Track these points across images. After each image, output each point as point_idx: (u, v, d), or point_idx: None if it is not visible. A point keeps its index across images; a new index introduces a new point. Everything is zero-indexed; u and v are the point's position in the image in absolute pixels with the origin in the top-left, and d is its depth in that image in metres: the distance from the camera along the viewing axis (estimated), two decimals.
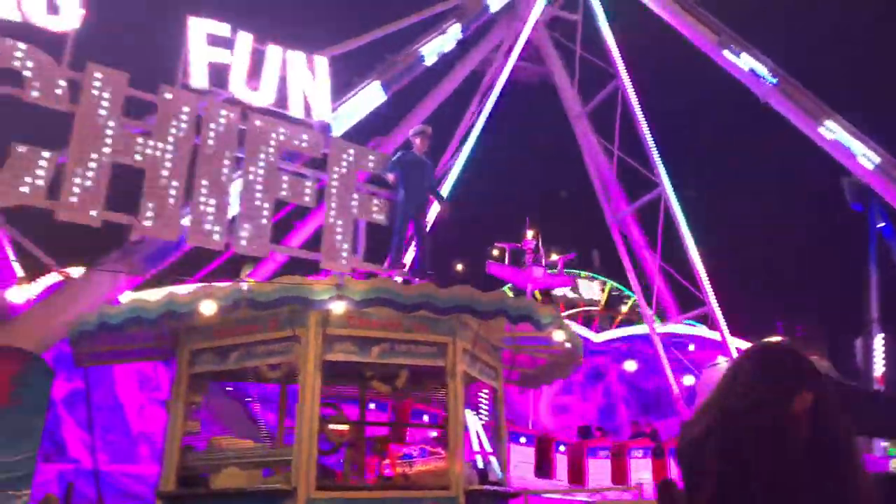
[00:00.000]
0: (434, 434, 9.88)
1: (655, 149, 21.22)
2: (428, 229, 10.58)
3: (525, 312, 7.91)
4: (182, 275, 12.64)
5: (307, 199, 9.46)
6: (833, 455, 1.55)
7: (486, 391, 14.39)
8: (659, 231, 20.94)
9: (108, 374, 13.15)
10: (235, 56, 9.38)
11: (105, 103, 8.20)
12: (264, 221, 8.88)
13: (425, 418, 13.21)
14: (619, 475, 15.32)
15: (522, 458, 14.94)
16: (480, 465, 11.72)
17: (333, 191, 9.55)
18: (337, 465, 8.78)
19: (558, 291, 35.27)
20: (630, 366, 21.64)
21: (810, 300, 27.53)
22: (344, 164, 9.71)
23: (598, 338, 21.61)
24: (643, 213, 22.96)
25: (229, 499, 6.89)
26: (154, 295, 8.02)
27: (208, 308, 6.73)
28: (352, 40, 17.68)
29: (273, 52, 9.72)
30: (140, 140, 8.30)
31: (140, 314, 6.84)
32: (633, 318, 27.36)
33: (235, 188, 8.89)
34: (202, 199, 8.44)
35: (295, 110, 9.72)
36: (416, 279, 9.03)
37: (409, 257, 10.73)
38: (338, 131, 16.13)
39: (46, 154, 7.75)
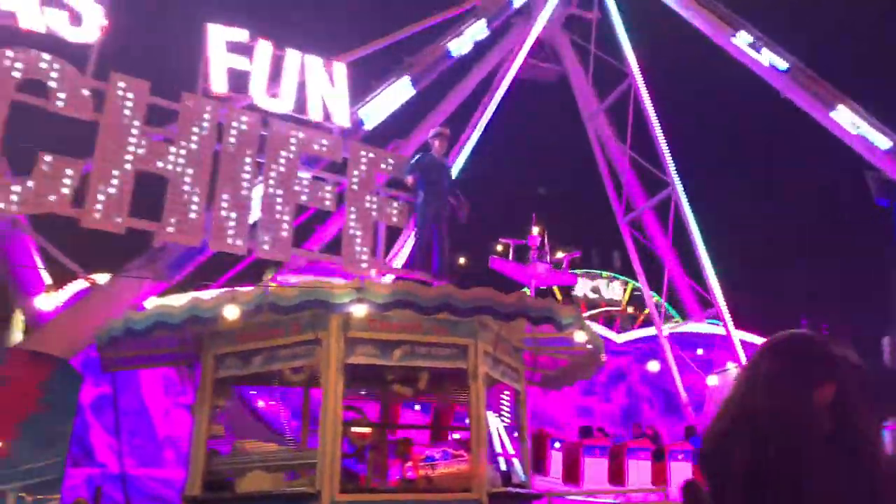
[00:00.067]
0: (456, 436, 9.88)
1: (667, 148, 21.09)
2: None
3: (546, 314, 7.88)
4: (205, 280, 12.77)
5: (327, 203, 9.52)
6: (855, 448, 1.51)
7: (508, 392, 14.36)
8: (669, 230, 20.83)
9: (134, 378, 13.32)
10: (255, 62, 9.47)
11: (128, 112, 8.33)
12: (285, 226, 8.96)
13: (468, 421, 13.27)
14: (617, 476, 15.24)
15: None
16: (503, 467, 11.69)
17: (353, 194, 9.61)
18: (360, 468, 8.81)
19: (579, 292, 35.12)
20: (653, 366, 21.46)
21: (834, 297, 27.13)
22: (363, 167, 9.76)
23: (620, 338, 21.47)
24: (658, 212, 22.82)
25: (255, 502, 6.95)
26: (178, 300, 8.11)
27: (231, 313, 6.80)
28: (369, 44, 17.79)
29: (292, 57, 9.80)
30: (162, 147, 8.42)
31: (165, 319, 6.93)
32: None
33: (257, 193, 8.97)
34: (224, 204, 8.54)
35: (314, 115, 9.80)
36: (436, 281, 9.04)
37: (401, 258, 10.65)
38: (369, 125, 16.51)
39: (72, 163, 7.89)
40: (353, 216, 9.49)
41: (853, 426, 1.55)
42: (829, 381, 1.58)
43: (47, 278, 12.57)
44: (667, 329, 21.25)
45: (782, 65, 20.52)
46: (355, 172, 9.68)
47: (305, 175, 9.42)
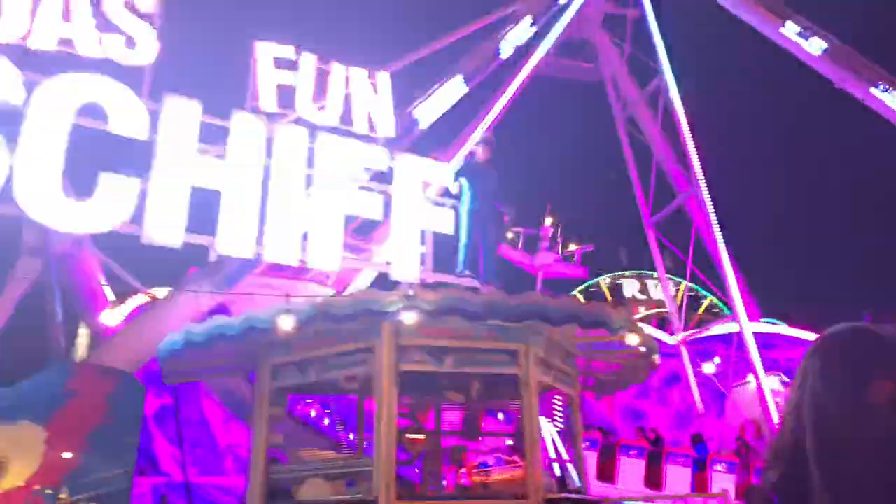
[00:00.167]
0: (509, 442, 9.84)
1: (694, 149, 20.69)
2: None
3: (597, 317, 7.79)
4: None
5: (375, 212, 9.64)
6: None
7: (560, 397, 14.23)
8: (692, 232, 20.45)
9: (194, 389, 13.69)
10: (300, 77, 9.66)
11: (182, 131, 8.60)
12: (335, 236, 9.10)
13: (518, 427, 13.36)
14: (608, 473, 15.10)
15: (632, 470, 14.82)
16: (558, 472, 11.59)
17: (400, 203, 9.70)
18: (415, 475, 8.86)
19: (627, 293, 34.61)
20: (708, 368, 20.98)
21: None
22: (409, 176, 9.85)
23: (673, 340, 21.06)
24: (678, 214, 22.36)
25: None
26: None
27: (286, 323, 6.93)
28: (412, 53, 18.01)
29: (336, 70, 9.96)
30: (215, 164, 8.66)
31: (223, 331, 7.10)
32: (710, 318, 26.55)
33: (306, 205, 9.14)
34: (275, 217, 8.73)
35: (359, 127, 9.94)
36: (485, 286, 9.05)
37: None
38: (424, 125, 16.89)
39: (130, 181, 8.18)
40: (399, 224, 9.58)
41: None
42: (884, 378, 1.48)
43: (111, 295, 13.06)
44: (721, 329, 20.76)
45: (821, 47, 19.95)
46: (401, 181, 9.78)
47: (353, 185, 9.57)
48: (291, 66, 9.70)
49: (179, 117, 8.67)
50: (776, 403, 17.81)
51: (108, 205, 8.02)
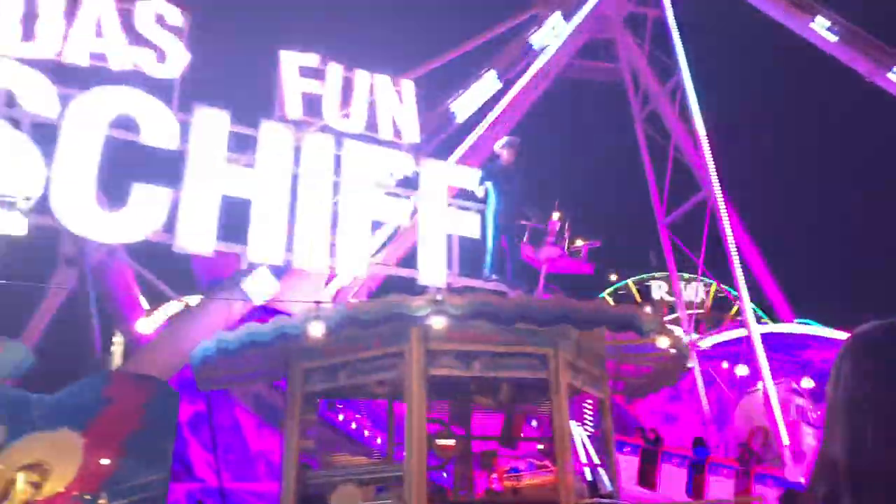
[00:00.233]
0: (540, 447, 9.79)
1: (709, 150, 20.43)
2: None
3: (627, 320, 7.74)
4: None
5: (402, 217, 9.69)
6: None
7: (590, 401, 14.12)
8: (704, 233, 20.18)
9: (226, 395, 13.87)
10: (326, 85, 9.74)
11: (211, 141, 8.73)
12: (363, 242, 9.16)
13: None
14: (649, 479, 15.02)
15: (624, 467, 14.72)
16: (589, 477, 11.49)
17: (425, 208, 9.73)
18: (446, 481, 8.86)
19: (655, 294, 34.17)
20: (742, 370, 20.63)
21: None
22: (434, 181, 9.88)
23: (704, 342, 20.76)
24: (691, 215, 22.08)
25: None
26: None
27: (316, 329, 7.00)
28: (436, 59, 18.16)
29: (361, 78, 10.03)
30: (245, 173, 8.78)
31: (255, 338, 7.19)
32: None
33: (334, 212, 9.22)
34: (304, 224, 8.81)
35: (384, 133, 9.99)
36: (511, 290, 9.03)
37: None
38: (461, 119, 17.39)
39: (162, 191, 8.33)
40: (426, 229, 9.61)
41: None
42: None
43: (145, 303, 13.30)
44: (733, 334, 20.44)
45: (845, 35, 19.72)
46: (427, 186, 9.81)
47: (379, 191, 9.62)
48: (317, 74, 9.79)
49: (209, 127, 8.80)
50: (796, 409, 17.62)
51: (141, 215, 8.17)
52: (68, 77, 8.51)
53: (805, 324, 20.96)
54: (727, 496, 14.95)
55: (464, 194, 10.32)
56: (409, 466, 6.87)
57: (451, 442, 8.58)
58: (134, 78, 8.79)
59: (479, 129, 18.79)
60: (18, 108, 8.08)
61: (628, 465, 14.93)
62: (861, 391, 1.44)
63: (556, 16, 20.56)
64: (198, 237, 8.25)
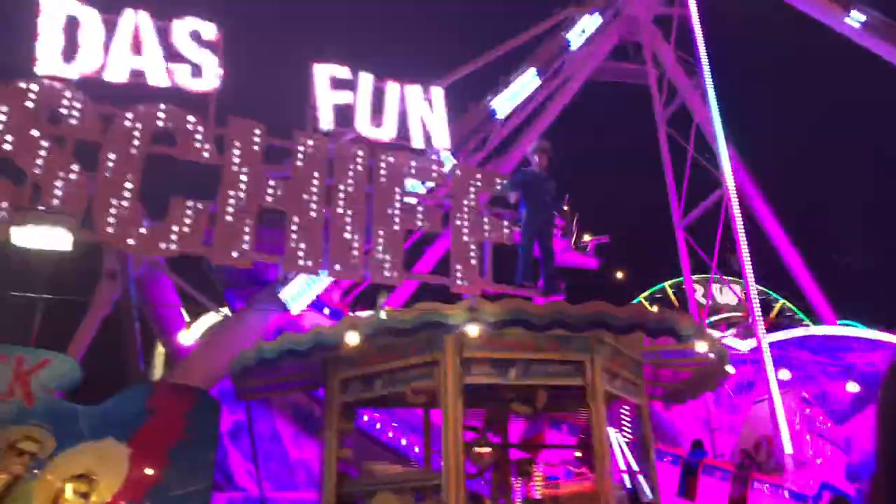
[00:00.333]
0: (578, 454, 9.70)
1: (726, 149, 20.06)
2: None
3: (664, 325, 7.64)
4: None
5: (436, 225, 9.73)
6: None
7: (627, 407, 13.95)
8: (718, 232, 19.77)
9: (265, 405, 14.03)
10: (358, 96, 9.84)
11: (247, 153, 8.89)
12: (397, 251, 9.21)
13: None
14: (690, 492, 14.82)
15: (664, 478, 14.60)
16: (629, 484, 11.34)
17: (459, 215, 9.75)
18: (483, 488, 8.83)
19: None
20: (783, 374, 20.16)
21: None
22: (467, 188, 9.90)
23: (745, 346, 20.35)
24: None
25: None
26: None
27: (352, 338, 7.05)
28: (468, 64, 18.26)
29: (392, 87, 10.11)
30: (280, 184, 8.91)
31: (293, 347, 7.28)
32: (783, 322, 25.58)
33: (368, 221, 9.29)
34: (339, 234, 8.90)
35: (416, 142, 10.06)
36: (545, 296, 8.97)
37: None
38: (501, 115, 17.59)
39: (200, 204, 8.50)
40: (459, 236, 9.62)
41: None
42: None
43: (186, 315, 13.56)
44: (799, 333, 19.97)
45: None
46: (460, 193, 9.83)
47: (412, 199, 9.68)
48: (348, 85, 9.90)
49: (244, 140, 8.96)
50: (803, 418, 17.26)
51: (181, 228, 8.35)
52: (108, 94, 8.76)
53: (848, 325, 20.43)
54: (721, 499, 14.80)
55: (496, 200, 10.32)
56: (447, 475, 6.86)
57: (489, 450, 8.56)
58: (171, 93, 9.01)
59: (521, 129, 19.01)
60: (62, 126, 8.34)
61: (719, 490, 14.83)
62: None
63: (594, 16, 20.64)
64: (235, 248, 8.39)
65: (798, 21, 20.90)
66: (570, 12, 20.79)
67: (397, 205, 9.41)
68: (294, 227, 8.67)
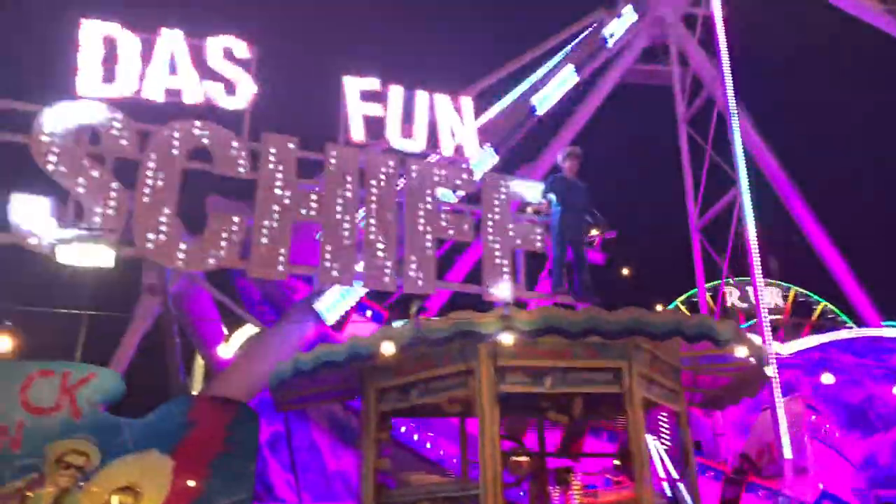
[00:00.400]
0: (616, 462, 9.58)
1: (742, 149, 19.62)
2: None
3: (702, 330, 7.50)
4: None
5: (467, 233, 9.76)
6: None
7: (664, 414, 13.74)
8: (731, 233, 19.31)
9: (303, 416, 14.16)
10: (388, 107, 9.95)
11: (281, 167, 9.04)
12: (429, 260, 9.26)
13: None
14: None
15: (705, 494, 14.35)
16: (669, 493, 11.17)
17: (490, 223, 9.77)
18: (521, 498, 8.78)
19: (727, 301, 32.92)
20: (827, 378, 19.64)
21: None
22: (498, 195, 9.91)
23: (785, 349, 19.90)
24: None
25: None
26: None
27: (388, 348, 7.08)
28: (497, 71, 18.33)
29: (421, 98, 10.20)
30: (314, 196, 9.03)
31: (329, 358, 7.33)
32: (825, 325, 24.97)
33: (400, 231, 9.36)
34: (372, 244, 8.98)
35: (446, 151, 10.12)
36: (580, 304, 8.91)
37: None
38: (541, 111, 18.10)
39: (236, 218, 8.66)
40: (491, 244, 9.63)
41: None
42: None
43: (225, 329, 13.77)
44: (842, 335, 19.47)
45: None
46: (491, 201, 9.86)
47: (444, 208, 9.73)
48: (377, 97, 10.01)
49: (278, 154, 9.11)
50: (807, 425, 16.78)
51: (218, 242, 8.51)
52: (146, 113, 9.00)
53: (894, 327, 19.85)
54: (713, 499, 14.46)
55: (528, 207, 10.30)
56: (484, 484, 6.84)
57: (526, 459, 8.50)
58: (205, 110, 9.22)
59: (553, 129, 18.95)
60: (102, 145, 8.58)
61: (710, 490, 14.55)
62: None
63: (626, 15, 20.60)
64: (271, 262, 8.52)
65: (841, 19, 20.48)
66: (601, 14, 20.84)
67: (429, 214, 9.46)
68: (326, 239, 8.78)
